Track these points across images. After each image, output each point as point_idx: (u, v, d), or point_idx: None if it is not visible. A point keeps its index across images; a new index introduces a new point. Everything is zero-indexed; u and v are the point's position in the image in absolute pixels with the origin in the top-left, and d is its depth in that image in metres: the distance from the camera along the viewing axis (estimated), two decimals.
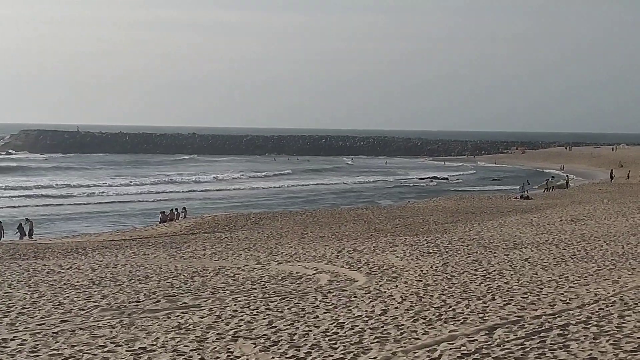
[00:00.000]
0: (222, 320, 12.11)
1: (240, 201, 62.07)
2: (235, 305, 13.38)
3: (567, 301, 12.48)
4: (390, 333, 10.67)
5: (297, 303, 13.33)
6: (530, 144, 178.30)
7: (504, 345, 9.67)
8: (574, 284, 14.33)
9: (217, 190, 72.83)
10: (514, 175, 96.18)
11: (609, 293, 13.09)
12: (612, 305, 11.93)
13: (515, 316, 11.39)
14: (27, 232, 36.18)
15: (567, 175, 77.09)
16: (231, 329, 11.37)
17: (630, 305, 11.85)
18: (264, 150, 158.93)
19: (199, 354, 10.02)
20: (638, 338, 9.76)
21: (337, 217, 36.96)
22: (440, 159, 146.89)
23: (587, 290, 13.54)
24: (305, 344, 10.29)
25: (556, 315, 11.31)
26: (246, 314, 12.49)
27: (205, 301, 13.88)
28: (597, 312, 11.49)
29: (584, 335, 10.02)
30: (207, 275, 17.56)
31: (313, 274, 16.91)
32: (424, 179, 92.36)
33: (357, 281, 15.71)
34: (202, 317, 12.39)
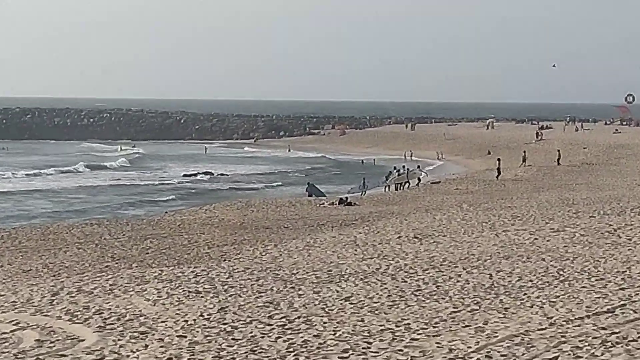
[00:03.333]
0: None
1: None
2: None
3: None
4: None
5: None
6: (355, 120, 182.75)
7: None
8: (419, 335, 14.70)
9: None
10: (330, 168, 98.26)
11: (469, 348, 13.51)
12: None
13: None
14: None
15: (407, 169, 78.64)
16: None
17: None
18: None
19: None
20: None
21: (52, 239, 36.42)
22: (216, 143, 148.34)
23: (437, 344, 13.93)
24: None
25: None
26: None
27: None
28: None
29: None
30: None
31: (11, 332, 16.58)
32: (190, 175, 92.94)
33: (83, 340, 15.53)
34: None
